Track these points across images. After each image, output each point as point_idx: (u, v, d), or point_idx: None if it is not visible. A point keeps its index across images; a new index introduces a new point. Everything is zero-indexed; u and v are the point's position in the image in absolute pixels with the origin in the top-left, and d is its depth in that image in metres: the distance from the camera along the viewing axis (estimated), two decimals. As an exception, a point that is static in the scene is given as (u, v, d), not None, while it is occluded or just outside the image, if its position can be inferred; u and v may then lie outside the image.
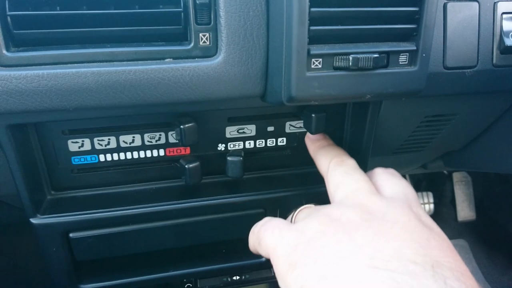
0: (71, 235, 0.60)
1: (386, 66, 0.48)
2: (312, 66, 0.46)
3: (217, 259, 0.69)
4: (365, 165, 0.67)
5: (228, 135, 0.64)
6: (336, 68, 0.47)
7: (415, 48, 0.48)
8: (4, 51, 0.45)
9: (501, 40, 0.54)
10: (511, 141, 0.71)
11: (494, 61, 0.55)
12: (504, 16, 0.54)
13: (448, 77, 0.54)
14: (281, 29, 0.45)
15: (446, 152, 0.84)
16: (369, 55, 0.46)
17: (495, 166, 0.80)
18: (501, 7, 0.53)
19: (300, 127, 0.67)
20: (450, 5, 0.52)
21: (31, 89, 0.46)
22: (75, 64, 0.47)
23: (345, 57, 0.46)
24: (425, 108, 0.63)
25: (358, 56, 0.46)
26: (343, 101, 0.58)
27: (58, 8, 0.47)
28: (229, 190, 0.65)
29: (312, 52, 0.45)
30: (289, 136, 0.67)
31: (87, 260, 0.65)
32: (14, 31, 0.46)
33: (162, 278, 0.69)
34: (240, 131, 0.65)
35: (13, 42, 0.46)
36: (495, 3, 0.53)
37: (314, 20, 0.44)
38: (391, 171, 0.53)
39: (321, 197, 0.66)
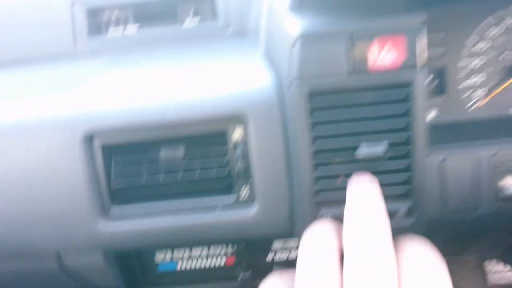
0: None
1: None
2: (322, 222, 0.59)
3: None
4: None
5: (275, 247, 0.79)
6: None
7: (410, 205, 0.58)
8: (111, 209, 0.67)
9: (499, 189, 0.60)
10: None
11: (494, 208, 0.61)
12: (501, 168, 0.60)
13: (448, 222, 0.62)
14: (299, 195, 0.60)
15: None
16: (369, 214, 0.57)
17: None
18: (496, 160, 0.60)
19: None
20: (445, 162, 0.61)
21: (130, 234, 0.67)
22: (159, 215, 0.67)
23: (348, 216, 0.58)
24: (446, 232, 0.70)
25: (360, 215, 0.58)
26: None
27: (145, 175, 0.67)
28: (276, 292, 0.79)
29: (319, 215, 0.58)
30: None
31: None
32: (117, 194, 0.67)
33: None
34: (284, 244, 0.79)
35: (116, 201, 0.68)
36: (491, 156, 0.60)
37: (321, 190, 0.58)
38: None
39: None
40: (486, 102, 0.78)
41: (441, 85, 0.78)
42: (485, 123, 0.76)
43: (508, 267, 1.48)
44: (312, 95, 0.55)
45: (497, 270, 1.50)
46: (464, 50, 0.77)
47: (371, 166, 0.57)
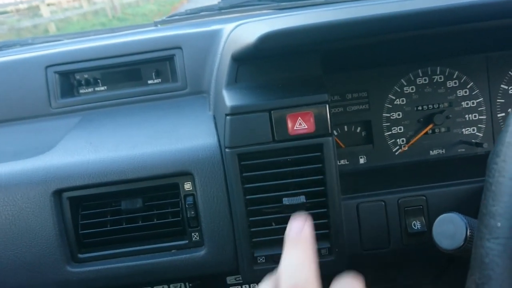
0: None
1: (311, 258, 0.70)
2: (258, 262, 0.70)
3: None
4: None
5: (228, 282, 0.89)
6: (276, 262, 0.70)
7: (329, 245, 0.69)
8: (78, 254, 0.77)
9: (406, 227, 0.72)
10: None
11: (404, 242, 0.73)
12: (406, 210, 0.73)
13: (367, 256, 0.74)
14: (239, 239, 0.71)
15: None
16: (296, 254, 0.69)
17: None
18: (403, 203, 0.73)
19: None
20: (361, 207, 0.73)
21: (96, 276, 0.76)
22: (122, 258, 0.76)
23: (280, 256, 0.69)
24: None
25: (288, 255, 0.69)
26: None
27: (108, 224, 0.77)
28: (231, 323, 0.89)
29: (255, 255, 0.70)
30: (275, 279, 0.90)
31: None
32: (84, 241, 0.77)
33: None
34: (237, 279, 0.89)
35: (83, 248, 0.77)
36: (398, 200, 0.73)
37: (254, 233, 0.69)
38: None
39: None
40: (409, 148, 0.91)
41: (368, 135, 0.91)
42: (409, 167, 0.89)
43: None
44: (242, 159, 0.67)
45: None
46: (385, 106, 0.90)
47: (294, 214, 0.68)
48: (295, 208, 0.67)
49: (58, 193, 0.74)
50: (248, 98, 0.67)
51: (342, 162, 0.90)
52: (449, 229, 0.57)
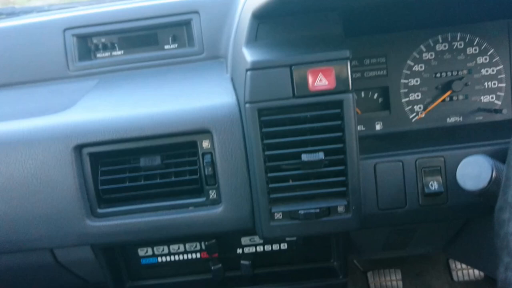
0: (140, 312, 0.92)
1: (328, 215, 0.71)
2: (275, 218, 0.71)
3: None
4: (346, 264, 0.88)
5: (243, 243, 0.91)
6: (292, 218, 0.71)
7: (346, 203, 0.70)
8: (97, 209, 0.78)
9: (423, 188, 0.73)
10: (477, 245, 0.86)
11: (420, 202, 0.73)
12: (424, 170, 0.73)
13: (383, 215, 0.74)
14: (256, 195, 0.71)
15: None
16: (313, 210, 0.69)
17: (473, 263, 0.93)
18: (420, 163, 0.73)
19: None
20: (378, 166, 0.73)
21: (115, 231, 0.78)
22: (140, 214, 0.78)
23: (296, 212, 0.70)
24: (387, 228, 0.83)
25: (305, 211, 0.70)
26: (302, 236, 0.82)
27: (127, 180, 0.78)
28: (244, 282, 0.91)
29: (273, 210, 0.70)
30: (289, 242, 0.91)
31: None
32: (103, 197, 0.78)
33: None
34: (251, 240, 0.91)
35: (102, 203, 0.79)
36: (416, 160, 0.73)
37: (272, 189, 0.70)
38: None
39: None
40: (425, 115, 0.91)
41: (385, 102, 0.91)
42: (427, 131, 0.89)
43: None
44: (261, 114, 0.67)
45: (460, 268, 1.62)
46: (403, 72, 0.90)
47: (312, 171, 0.69)
48: (313, 165, 0.68)
49: (78, 149, 0.75)
50: (269, 53, 0.67)
51: (359, 128, 0.90)
52: (474, 170, 0.57)
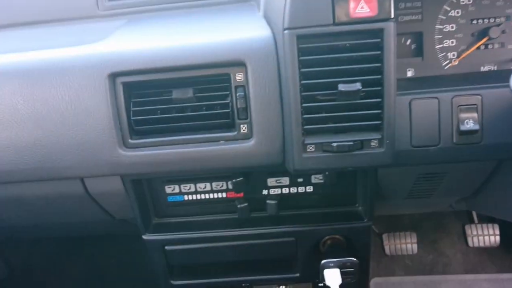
0: (166, 247, 0.93)
1: (361, 148, 0.71)
2: (308, 150, 0.71)
3: (261, 271, 0.96)
4: (371, 207, 0.88)
5: (269, 184, 0.91)
6: (325, 151, 0.71)
7: (380, 137, 0.70)
8: (129, 139, 0.79)
9: (458, 125, 0.72)
10: (507, 192, 0.85)
11: (454, 140, 0.73)
12: (460, 107, 0.72)
13: (416, 153, 0.74)
14: (289, 127, 0.71)
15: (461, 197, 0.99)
16: (346, 143, 0.69)
17: (501, 213, 0.93)
18: (457, 101, 0.72)
19: (322, 179, 0.91)
20: (414, 103, 0.72)
21: (146, 161, 0.79)
22: (171, 146, 0.78)
23: (329, 144, 0.70)
24: (415, 170, 0.82)
25: (338, 144, 0.70)
26: (332, 171, 0.82)
27: (159, 112, 0.78)
28: (269, 223, 0.92)
29: (306, 142, 0.70)
30: (315, 185, 0.91)
31: (176, 265, 0.97)
32: (135, 128, 0.79)
33: (228, 282, 0.99)
34: (278, 181, 0.91)
35: (134, 134, 0.79)
36: (452, 98, 0.72)
37: (306, 120, 0.69)
38: None
39: (342, 232, 0.89)
40: (459, 62, 0.89)
41: (418, 48, 0.89)
42: (462, 76, 0.88)
43: (485, 231, 1.60)
44: (300, 42, 0.66)
45: (476, 234, 1.63)
46: (438, 17, 0.88)
47: (348, 103, 0.68)
48: (349, 96, 0.67)
49: (112, 77, 0.75)
50: None
51: None
52: None
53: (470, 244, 1.64)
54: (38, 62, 0.77)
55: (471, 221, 1.66)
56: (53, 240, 1.68)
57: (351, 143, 0.69)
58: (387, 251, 1.64)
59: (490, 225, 1.62)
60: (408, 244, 1.62)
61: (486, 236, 1.62)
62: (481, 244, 1.62)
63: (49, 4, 0.99)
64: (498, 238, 1.61)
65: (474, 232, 1.64)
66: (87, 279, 1.70)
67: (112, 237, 1.65)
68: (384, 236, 1.65)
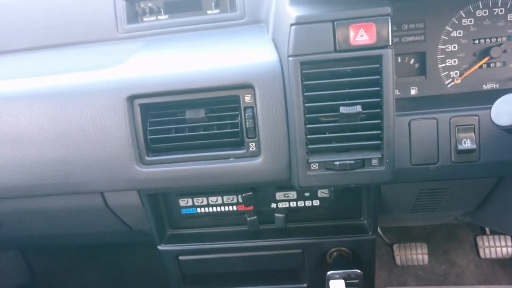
0: (180, 257, 0.98)
1: (362, 167, 0.75)
2: (311, 168, 0.75)
3: (270, 282, 1.00)
4: (375, 221, 0.91)
5: (277, 198, 0.96)
6: (328, 169, 0.75)
7: (380, 156, 0.73)
8: (146, 157, 0.84)
9: (456, 145, 0.75)
10: (507, 207, 0.87)
11: (453, 159, 0.76)
12: (458, 127, 0.75)
13: (415, 171, 0.77)
14: (294, 146, 0.76)
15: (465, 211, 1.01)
16: (348, 162, 0.73)
17: (503, 227, 0.95)
18: (454, 121, 0.75)
19: (328, 193, 0.95)
20: (413, 123, 0.76)
21: (161, 177, 0.84)
22: (184, 163, 0.84)
23: (332, 163, 0.74)
24: (418, 185, 0.85)
25: (341, 162, 0.74)
26: (335, 187, 0.86)
27: (173, 131, 0.84)
28: (278, 235, 0.96)
29: (310, 160, 0.75)
30: (321, 199, 0.95)
31: (189, 274, 1.02)
32: (151, 145, 0.84)
33: None
34: (285, 195, 0.95)
35: (150, 151, 0.85)
36: (450, 118, 0.75)
37: (310, 140, 0.74)
38: None
39: (347, 244, 0.93)
40: (461, 81, 0.92)
41: (421, 67, 0.93)
42: (462, 95, 0.91)
43: (497, 243, 1.61)
44: (303, 68, 0.71)
45: (488, 245, 1.63)
46: (441, 37, 0.91)
47: (349, 124, 0.72)
48: (350, 117, 0.71)
49: (130, 99, 0.81)
50: (313, 10, 0.71)
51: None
52: (508, 107, 0.59)
53: (482, 255, 1.65)
54: (63, 85, 0.84)
55: (483, 232, 1.67)
56: (73, 248, 1.76)
57: (353, 161, 0.73)
58: (398, 261, 1.66)
59: (502, 236, 1.63)
60: (419, 254, 1.64)
61: (498, 247, 1.62)
62: (493, 256, 1.63)
63: (72, 27, 1.06)
64: (510, 250, 1.61)
65: (486, 244, 1.64)
66: (105, 285, 1.77)
67: (130, 245, 1.73)
68: (395, 246, 1.67)
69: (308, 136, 0.74)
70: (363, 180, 0.75)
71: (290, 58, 0.71)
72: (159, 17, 1.08)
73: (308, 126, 0.73)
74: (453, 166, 0.76)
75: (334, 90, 0.72)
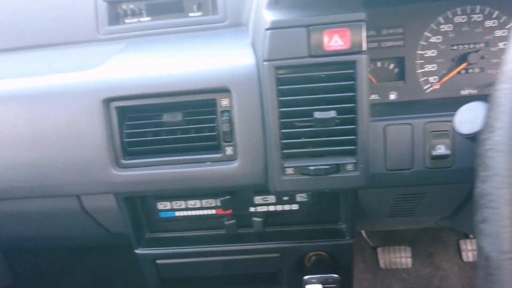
0: (157, 261, 0.98)
1: (337, 172, 0.75)
2: (287, 173, 0.75)
3: (248, 285, 1.00)
4: (353, 225, 0.91)
5: (256, 202, 0.95)
6: (303, 174, 0.75)
7: (355, 161, 0.73)
8: (122, 160, 0.84)
9: (430, 150, 0.75)
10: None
11: (427, 165, 0.76)
12: (433, 133, 0.75)
13: (390, 176, 0.77)
14: (270, 150, 0.76)
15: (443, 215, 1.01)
16: (322, 167, 0.73)
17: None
18: (429, 127, 0.76)
19: (306, 197, 0.95)
20: (388, 128, 0.76)
21: (137, 180, 0.84)
22: (161, 166, 0.83)
23: (307, 168, 0.74)
24: (394, 190, 0.86)
25: (315, 167, 0.74)
26: (310, 192, 0.86)
27: (150, 134, 0.84)
28: (256, 239, 0.96)
29: (285, 165, 0.75)
30: (300, 203, 0.95)
31: (167, 277, 1.01)
32: (128, 149, 0.84)
33: None
34: (264, 199, 0.95)
35: (127, 155, 0.84)
36: (425, 124, 0.76)
37: (285, 145, 0.74)
38: None
39: (325, 248, 0.93)
40: (440, 86, 0.93)
41: (400, 72, 0.93)
42: (439, 100, 0.91)
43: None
44: (278, 72, 0.71)
45: (471, 249, 1.64)
46: (420, 43, 0.92)
47: (324, 129, 0.72)
48: (325, 122, 0.71)
49: (107, 102, 0.81)
50: (288, 14, 0.71)
51: (373, 96, 0.93)
52: (470, 115, 0.60)
53: (465, 258, 1.65)
54: (38, 87, 0.83)
55: (466, 236, 1.68)
56: (57, 250, 1.74)
57: (328, 166, 0.73)
58: (382, 264, 1.67)
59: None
60: (402, 258, 1.65)
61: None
62: (476, 259, 1.63)
63: (51, 28, 1.05)
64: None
65: (469, 247, 1.65)
66: (91, 287, 1.76)
67: (117, 247, 1.71)
68: (379, 249, 1.67)
69: (283, 141, 0.74)
70: (337, 185, 0.75)
71: (265, 63, 0.71)
72: (141, 19, 1.07)
73: (283, 130, 0.73)
74: (428, 171, 0.77)
75: (309, 95, 0.72)
